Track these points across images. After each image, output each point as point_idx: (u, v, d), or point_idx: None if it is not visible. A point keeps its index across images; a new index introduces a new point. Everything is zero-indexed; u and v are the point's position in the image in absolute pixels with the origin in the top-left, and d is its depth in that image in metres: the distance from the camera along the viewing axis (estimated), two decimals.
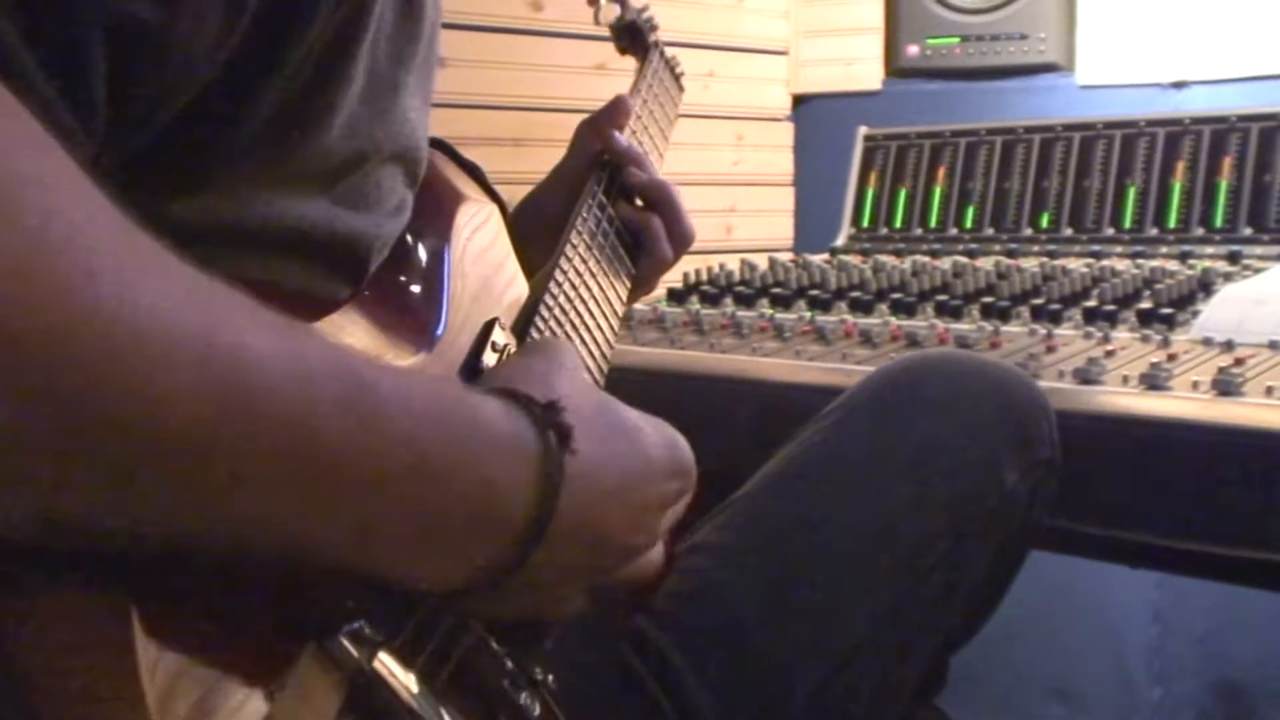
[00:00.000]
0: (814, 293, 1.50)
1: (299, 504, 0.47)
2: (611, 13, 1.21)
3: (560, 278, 0.88)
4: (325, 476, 0.47)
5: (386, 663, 0.52)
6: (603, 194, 1.02)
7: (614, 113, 1.11)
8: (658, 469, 0.64)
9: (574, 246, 0.93)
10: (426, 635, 0.56)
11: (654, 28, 1.24)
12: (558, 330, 0.84)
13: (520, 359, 0.69)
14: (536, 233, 0.97)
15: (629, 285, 1.01)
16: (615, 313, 0.97)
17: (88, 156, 0.47)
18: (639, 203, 1.08)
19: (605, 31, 1.25)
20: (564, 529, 0.56)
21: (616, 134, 1.08)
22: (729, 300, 1.55)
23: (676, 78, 1.27)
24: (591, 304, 0.92)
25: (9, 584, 0.45)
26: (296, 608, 0.51)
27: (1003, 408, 0.97)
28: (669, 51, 1.26)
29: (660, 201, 1.07)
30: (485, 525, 0.54)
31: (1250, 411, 1.00)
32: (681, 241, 1.08)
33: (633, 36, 1.23)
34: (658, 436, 0.65)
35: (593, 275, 0.94)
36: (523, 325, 0.81)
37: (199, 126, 0.55)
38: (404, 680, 0.52)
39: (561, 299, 0.87)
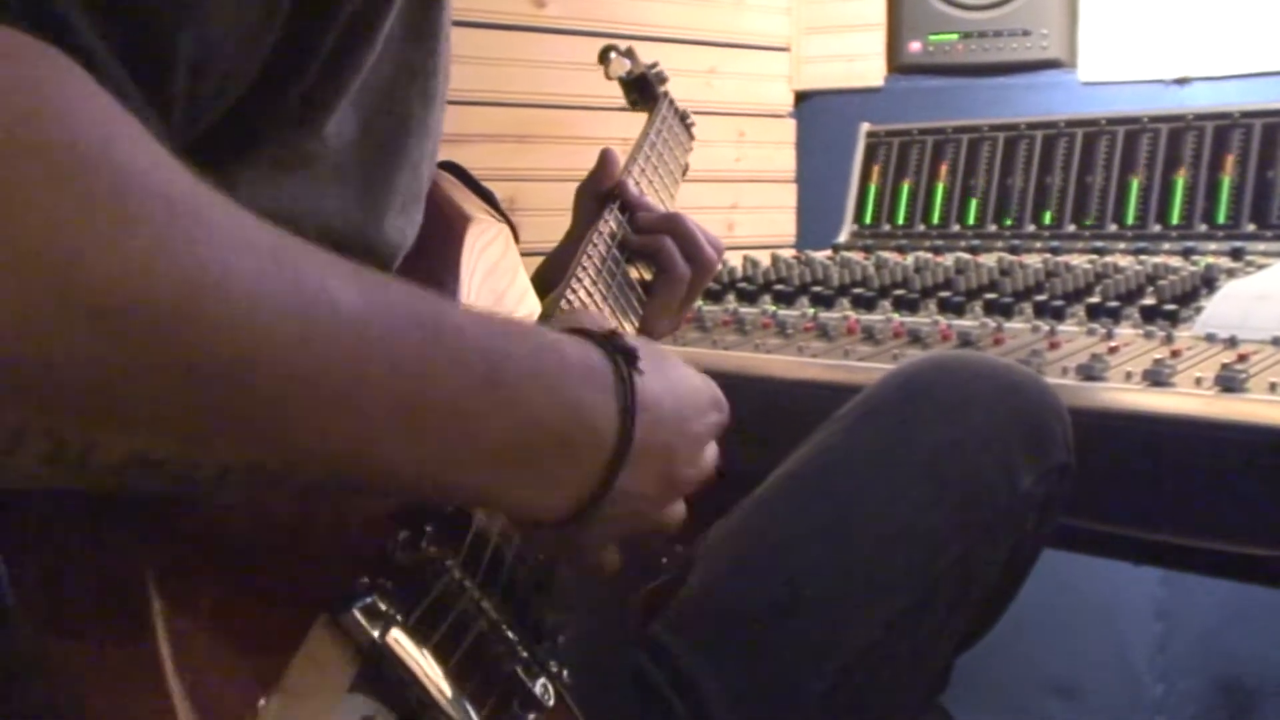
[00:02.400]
0: (816, 289, 1.50)
1: (394, 430, 0.49)
2: (621, 67, 1.21)
3: (571, 297, 0.88)
4: (414, 401, 0.49)
5: (399, 638, 0.52)
6: (612, 223, 1.02)
7: (603, 166, 1.09)
8: (703, 399, 0.68)
9: (584, 269, 0.93)
10: (440, 615, 0.57)
11: (663, 80, 1.25)
12: None
13: (565, 315, 0.72)
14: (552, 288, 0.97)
15: (639, 311, 1.00)
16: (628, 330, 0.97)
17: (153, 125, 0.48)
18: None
19: (608, 27, 1.25)
20: (641, 452, 0.59)
21: (627, 182, 1.06)
22: (731, 297, 1.55)
23: (687, 127, 1.27)
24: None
25: (19, 551, 0.45)
26: (310, 581, 0.52)
27: (1017, 411, 0.97)
28: (680, 104, 1.27)
29: (674, 231, 1.04)
30: (574, 447, 0.57)
31: (1253, 408, 1.00)
32: (701, 266, 1.05)
33: (642, 90, 1.24)
34: (694, 370, 0.69)
35: (604, 298, 0.94)
36: None
37: (231, 117, 0.55)
38: (416, 656, 0.53)
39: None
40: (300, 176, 0.60)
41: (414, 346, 0.49)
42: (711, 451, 0.70)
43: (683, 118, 1.27)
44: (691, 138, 1.29)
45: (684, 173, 1.24)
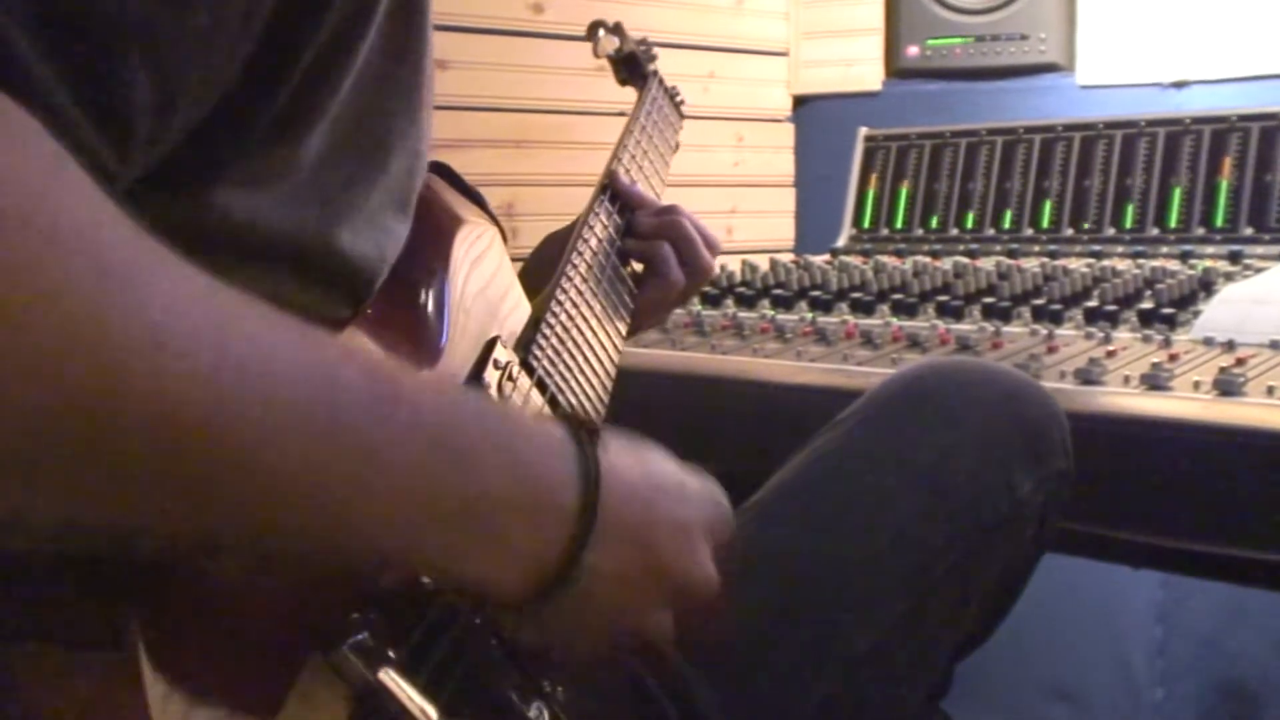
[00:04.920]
0: (815, 294, 1.51)
1: (334, 502, 0.47)
2: (610, 45, 1.21)
3: (561, 297, 0.88)
4: (359, 473, 0.47)
5: (392, 674, 0.52)
6: (603, 218, 1.02)
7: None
8: (692, 490, 0.64)
9: (575, 268, 0.92)
10: (433, 646, 0.56)
11: (652, 58, 1.24)
12: (559, 350, 0.83)
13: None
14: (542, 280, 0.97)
15: (631, 307, 1.00)
16: (619, 332, 0.97)
17: (110, 166, 0.48)
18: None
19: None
20: (612, 527, 0.56)
21: (620, 175, 1.06)
22: (730, 301, 1.55)
23: (676, 106, 1.27)
24: (594, 322, 0.92)
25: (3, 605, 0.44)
26: (300, 621, 0.51)
27: (1016, 418, 0.96)
28: (668, 81, 1.26)
29: (671, 234, 1.04)
30: (534, 515, 0.54)
31: (1251, 411, 1.00)
32: (697, 271, 1.04)
33: (631, 68, 1.23)
34: (690, 471, 0.65)
35: (594, 295, 0.94)
36: (524, 344, 0.80)
37: (206, 131, 0.54)
38: (409, 692, 0.52)
39: (563, 317, 0.87)
40: (277, 193, 0.59)
41: (362, 414, 0.47)
42: (712, 550, 0.64)
43: (672, 95, 1.26)
44: (681, 116, 1.28)
45: (674, 151, 1.24)
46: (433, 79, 0.70)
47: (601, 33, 1.20)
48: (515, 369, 0.74)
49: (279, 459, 0.44)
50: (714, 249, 1.06)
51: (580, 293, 0.91)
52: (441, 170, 0.87)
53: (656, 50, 1.26)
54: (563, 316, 0.87)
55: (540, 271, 0.97)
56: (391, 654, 0.52)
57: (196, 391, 0.42)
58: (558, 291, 0.88)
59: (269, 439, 0.44)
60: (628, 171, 1.07)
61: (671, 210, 1.06)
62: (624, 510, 0.58)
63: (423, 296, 0.72)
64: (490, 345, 0.73)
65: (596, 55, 1.21)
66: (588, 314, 0.91)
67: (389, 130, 0.66)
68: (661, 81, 1.24)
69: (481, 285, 0.80)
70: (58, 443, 0.40)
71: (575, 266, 0.92)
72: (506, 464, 0.53)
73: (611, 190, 1.04)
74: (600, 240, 0.99)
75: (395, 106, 0.66)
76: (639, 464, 0.61)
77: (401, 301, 0.70)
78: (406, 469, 0.49)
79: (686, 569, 0.62)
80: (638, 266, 1.04)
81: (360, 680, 0.51)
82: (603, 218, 1.01)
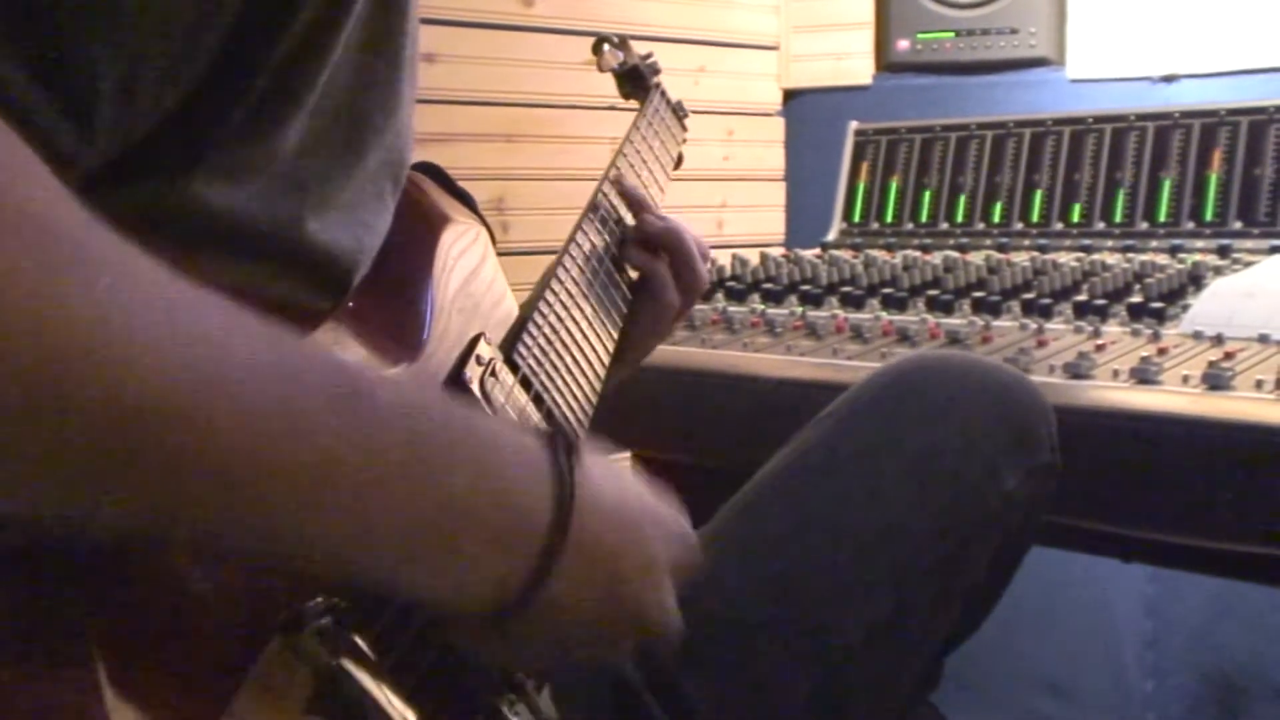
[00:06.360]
0: (805, 288, 1.51)
1: (290, 506, 0.45)
2: (614, 59, 1.21)
3: (550, 297, 0.87)
4: (317, 475, 0.45)
5: (353, 660, 0.51)
6: (598, 223, 1.01)
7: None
8: (665, 517, 0.62)
9: (566, 269, 0.91)
10: (398, 633, 0.55)
11: (656, 71, 1.25)
12: (546, 349, 0.82)
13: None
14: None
15: (625, 311, 0.98)
16: (610, 335, 0.95)
17: (69, 148, 0.47)
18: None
19: (596, 26, 1.25)
20: (578, 556, 0.54)
21: (623, 177, 1.05)
22: (720, 295, 1.55)
23: (679, 118, 1.27)
24: (584, 323, 0.91)
25: None
26: (262, 603, 0.50)
27: (1003, 412, 0.97)
28: (673, 95, 1.27)
29: (673, 247, 1.02)
30: (501, 533, 0.52)
31: (1240, 405, 1.00)
32: (690, 289, 1.03)
33: (635, 81, 1.24)
34: (651, 491, 0.63)
35: (585, 297, 0.92)
36: (509, 341, 0.79)
37: (182, 122, 0.54)
38: (372, 678, 0.52)
39: (552, 317, 0.85)
40: (254, 185, 0.58)
41: (322, 414, 0.46)
42: (672, 597, 0.61)
43: (675, 109, 1.27)
44: (684, 129, 1.28)
45: (677, 164, 1.24)
46: (415, 73, 0.70)
47: (606, 48, 1.21)
48: (499, 365, 0.73)
49: (227, 452, 0.42)
50: (706, 258, 1.05)
51: (570, 294, 0.90)
52: (431, 171, 0.87)
53: (661, 64, 1.27)
54: (551, 317, 0.86)
55: None
56: (356, 639, 0.51)
57: (141, 374, 0.40)
58: (546, 292, 0.87)
59: (218, 428, 0.42)
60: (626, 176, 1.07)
61: (671, 220, 1.05)
62: (594, 540, 0.55)
63: (405, 292, 0.72)
64: (474, 342, 0.72)
65: (600, 69, 1.22)
66: (577, 315, 0.90)
67: (367, 123, 0.65)
68: (664, 94, 1.25)
69: (467, 283, 0.79)
70: (6, 423, 0.38)
71: (566, 268, 0.92)
72: (473, 477, 0.51)
73: (616, 187, 1.04)
74: (594, 244, 0.98)
75: (374, 100, 0.66)
76: (615, 490, 0.58)
77: (383, 296, 0.69)
78: (365, 474, 0.47)
79: (648, 606, 0.60)
80: (633, 273, 1.03)
81: (323, 664, 0.50)
82: (597, 224, 1.00)
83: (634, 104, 1.24)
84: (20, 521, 0.42)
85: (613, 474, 0.59)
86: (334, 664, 0.50)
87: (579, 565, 0.54)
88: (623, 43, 1.22)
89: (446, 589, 0.51)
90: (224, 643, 0.48)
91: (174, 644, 0.47)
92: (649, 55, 1.25)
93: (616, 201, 1.04)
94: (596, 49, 1.20)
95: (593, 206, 1.01)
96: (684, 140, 1.28)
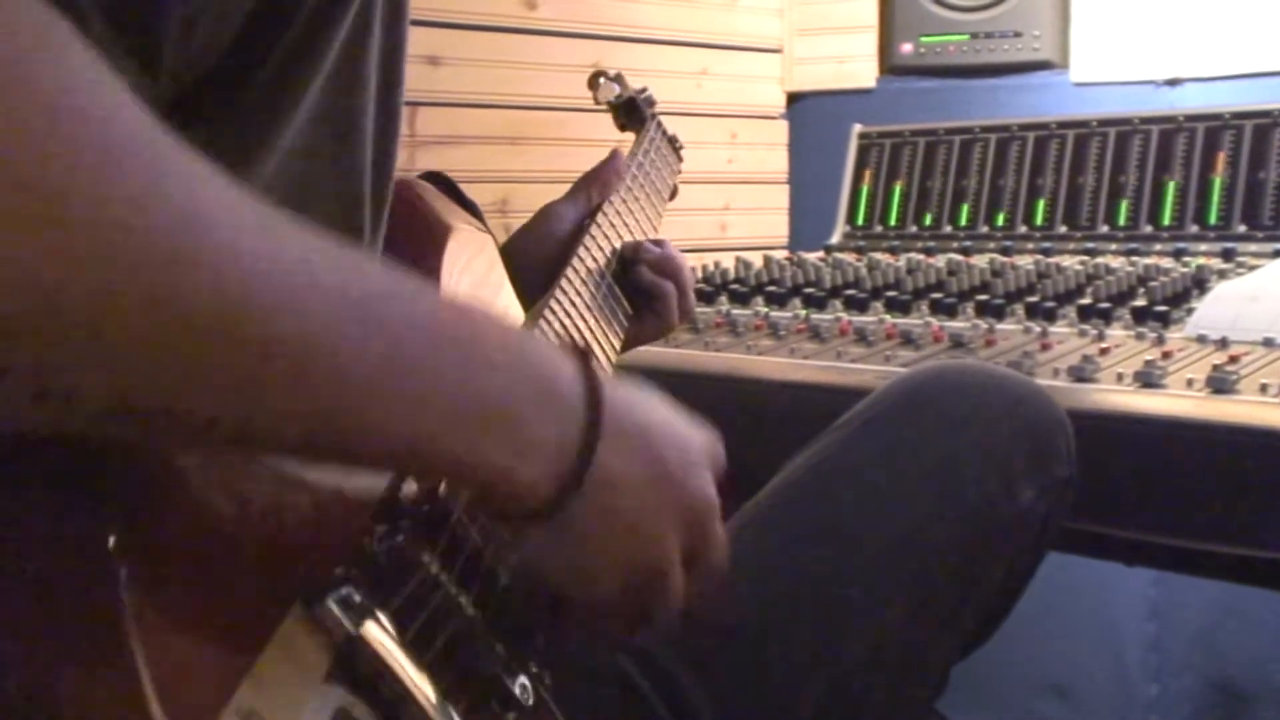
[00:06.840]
0: (809, 291, 1.50)
1: (360, 388, 0.48)
2: (610, 91, 1.23)
3: (555, 305, 0.88)
4: (382, 360, 0.49)
5: (374, 630, 0.52)
6: (600, 240, 1.03)
7: (610, 161, 1.14)
8: (687, 421, 0.66)
9: (570, 281, 0.93)
10: (416, 609, 0.56)
11: (652, 104, 1.26)
12: None
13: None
14: (529, 263, 0.99)
15: (625, 325, 1.01)
16: (613, 346, 0.97)
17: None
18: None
19: (600, 29, 1.26)
20: (616, 430, 0.58)
21: (619, 157, 1.09)
22: (724, 298, 1.55)
23: (676, 150, 1.29)
24: (588, 334, 0.92)
25: None
26: (285, 572, 0.51)
27: (1021, 425, 0.96)
28: (669, 128, 1.28)
29: (674, 275, 1.07)
30: (548, 407, 0.57)
31: (1244, 409, 1.00)
32: (685, 314, 1.10)
33: (630, 114, 1.25)
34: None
35: (589, 307, 0.94)
36: None
37: (190, 109, 0.55)
38: (391, 649, 0.52)
39: (556, 325, 0.87)
40: (250, 183, 0.59)
41: (387, 303, 0.50)
42: (709, 479, 0.67)
43: (672, 141, 1.28)
44: (680, 160, 1.30)
45: (672, 196, 1.25)
46: (403, 74, 0.71)
47: (602, 80, 1.23)
48: None
49: (306, 337, 0.46)
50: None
51: (574, 303, 0.91)
52: (437, 180, 0.87)
53: (659, 88, 1.29)
54: (555, 324, 0.87)
55: (528, 248, 0.98)
56: (374, 611, 0.52)
57: (245, 267, 0.44)
58: (551, 300, 0.88)
59: (307, 311, 0.46)
60: (618, 214, 1.09)
61: (670, 248, 1.08)
62: (626, 417, 0.60)
63: None
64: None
65: (597, 102, 1.24)
66: (579, 323, 0.91)
67: (352, 126, 0.66)
68: (661, 126, 1.27)
69: (475, 291, 0.80)
70: (121, 314, 0.41)
71: (570, 280, 0.93)
72: (517, 363, 0.56)
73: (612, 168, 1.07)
74: (595, 259, 1.00)
75: (360, 103, 0.66)
76: (640, 395, 0.64)
77: None
78: (431, 360, 0.51)
79: (690, 480, 0.64)
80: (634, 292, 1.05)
81: (342, 633, 0.50)
82: (599, 240, 1.02)
83: (630, 135, 1.25)
84: (117, 415, 0.44)
85: (635, 388, 0.65)
86: (355, 633, 0.51)
87: (619, 439, 0.59)
88: (619, 76, 1.25)
89: (509, 464, 0.55)
90: (248, 608, 0.49)
91: (201, 606, 0.48)
92: (644, 89, 1.27)
93: (615, 222, 1.06)
94: (592, 83, 1.23)
95: (591, 227, 1.03)
96: (679, 172, 1.29)
